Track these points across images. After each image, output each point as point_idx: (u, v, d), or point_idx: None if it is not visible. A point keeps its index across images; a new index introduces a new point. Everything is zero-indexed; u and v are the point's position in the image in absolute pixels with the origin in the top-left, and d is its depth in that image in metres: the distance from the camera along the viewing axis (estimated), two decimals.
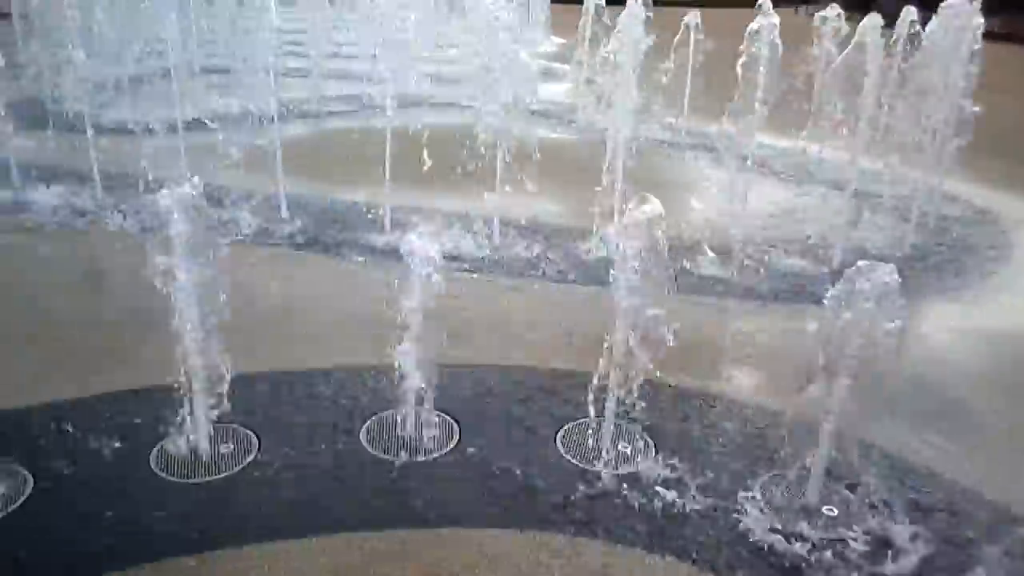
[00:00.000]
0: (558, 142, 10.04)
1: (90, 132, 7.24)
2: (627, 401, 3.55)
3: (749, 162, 5.94)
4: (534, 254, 6.34)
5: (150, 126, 7.71)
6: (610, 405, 3.68)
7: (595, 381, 3.53)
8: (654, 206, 3.36)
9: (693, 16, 10.30)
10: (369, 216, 6.77)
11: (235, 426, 3.80)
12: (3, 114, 7.26)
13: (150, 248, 3.19)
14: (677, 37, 10.12)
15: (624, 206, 5.99)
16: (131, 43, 10.42)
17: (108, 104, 9.67)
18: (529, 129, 6.44)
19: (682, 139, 10.24)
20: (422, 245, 3.52)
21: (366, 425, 3.93)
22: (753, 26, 5.70)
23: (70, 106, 9.81)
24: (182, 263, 3.23)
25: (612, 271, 3.41)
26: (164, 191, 3.19)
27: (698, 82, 10.53)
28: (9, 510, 3.23)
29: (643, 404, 3.55)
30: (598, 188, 6.14)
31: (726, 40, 10.24)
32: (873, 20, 5.95)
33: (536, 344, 4.90)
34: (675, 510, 3.38)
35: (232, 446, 3.71)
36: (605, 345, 3.47)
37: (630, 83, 6.01)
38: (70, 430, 3.75)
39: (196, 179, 3.31)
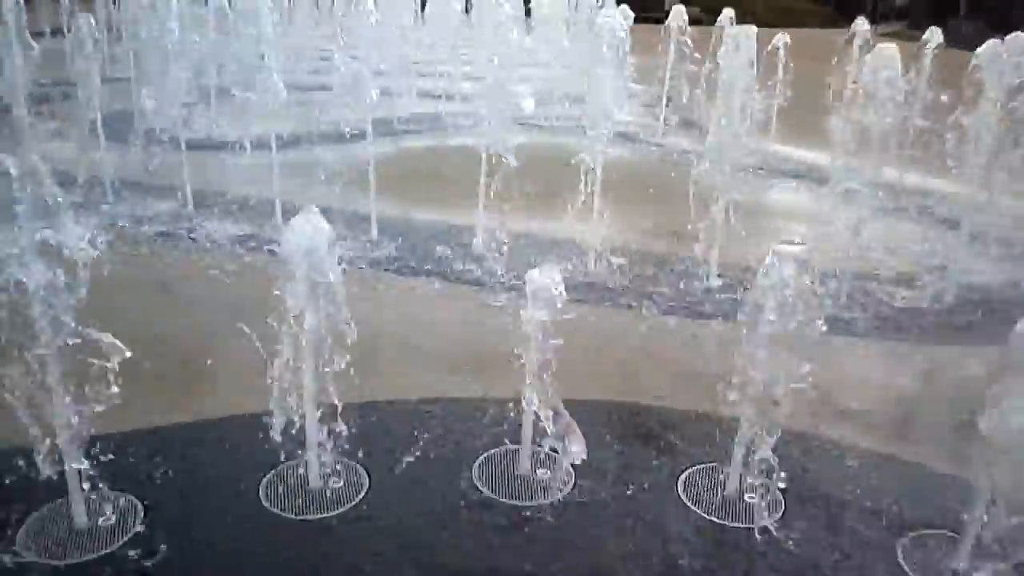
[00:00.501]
0: (645, 165, 9.84)
1: (180, 146, 7.30)
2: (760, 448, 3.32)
3: (866, 194, 5.63)
4: (640, 285, 6.11)
5: (241, 142, 7.76)
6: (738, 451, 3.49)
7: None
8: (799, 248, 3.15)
9: (781, 37, 10.03)
10: (464, 240, 6.66)
11: (343, 460, 3.66)
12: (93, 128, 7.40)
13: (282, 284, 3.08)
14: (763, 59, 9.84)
15: (723, 232, 5.86)
16: (226, 56, 10.64)
17: (199, 118, 9.75)
18: (618, 151, 6.28)
19: (774, 164, 9.90)
20: (545, 280, 3.35)
21: (477, 463, 3.77)
22: (869, 58, 5.44)
23: (160, 120, 10.03)
24: (310, 298, 3.12)
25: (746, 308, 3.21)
26: (295, 225, 3.08)
27: (788, 105, 10.22)
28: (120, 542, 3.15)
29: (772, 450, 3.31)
30: (694, 214, 5.94)
31: (808, 61, 10.10)
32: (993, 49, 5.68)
33: (649, 380, 4.70)
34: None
35: (340, 481, 3.58)
36: (738, 386, 3.27)
37: (732, 107, 5.78)
38: (179, 457, 3.67)
39: (314, 208, 3.21)
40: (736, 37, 5.63)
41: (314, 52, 15.39)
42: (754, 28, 5.73)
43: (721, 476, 3.70)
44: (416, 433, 3.94)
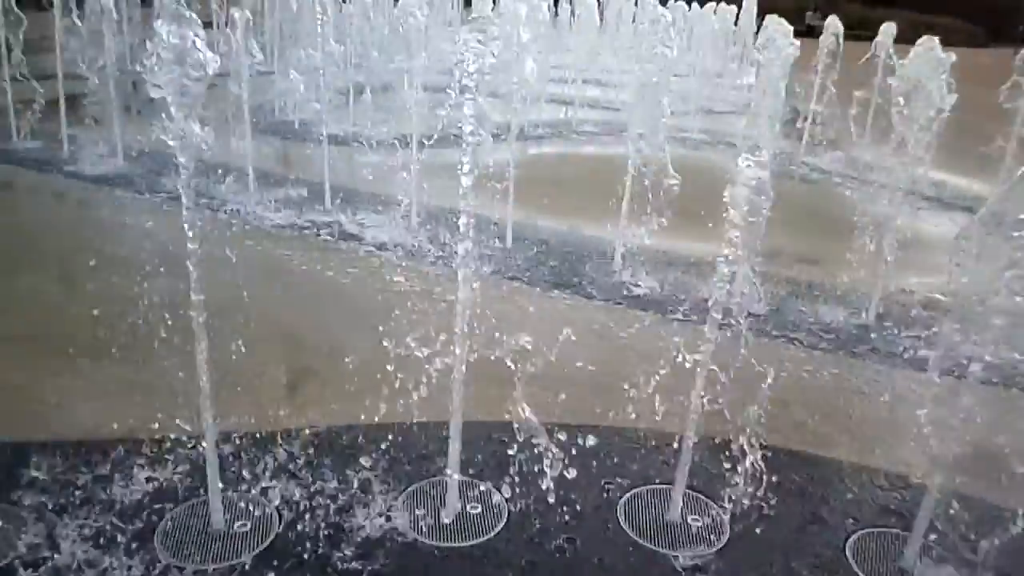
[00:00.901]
0: (782, 185, 9.29)
1: (320, 142, 7.34)
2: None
3: None
4: (786, 314, 5.68)
5: (377, 140, 7.74)
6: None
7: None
8: None
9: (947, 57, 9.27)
10: (603, 254, 6.40)
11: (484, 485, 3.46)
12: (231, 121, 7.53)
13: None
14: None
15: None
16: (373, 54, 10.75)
17: (338, 115, 9.86)
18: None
19: (931, 191, 9.18)
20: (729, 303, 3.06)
21: (624, 500, 3.49)
22: None
23: (298, 115, 10.25)
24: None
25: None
26: None
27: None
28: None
29: None
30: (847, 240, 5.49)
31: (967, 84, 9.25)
32: None
33: (812, 425, 4.29)
34: None
35: (479, 508, 3.37)
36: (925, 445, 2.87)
37: (910, 131, 5.30)
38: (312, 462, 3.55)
39: None
40: (921, 58, 5.15)
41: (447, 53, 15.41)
42: (943, 53, 5.21)
43: (896, 544, 3.29)
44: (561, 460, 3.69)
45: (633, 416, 3.81)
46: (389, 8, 12.93)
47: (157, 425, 3.45)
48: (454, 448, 3.20)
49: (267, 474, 3.37)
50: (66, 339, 4.51)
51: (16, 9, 8.61)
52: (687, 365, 3.13)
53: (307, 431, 3.74)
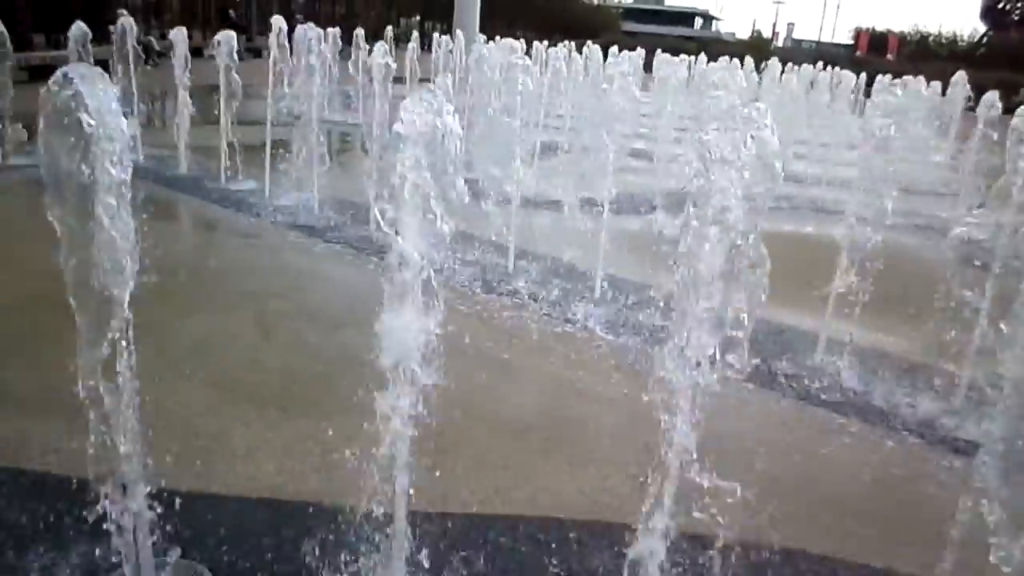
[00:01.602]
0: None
1: (507, 201, 7.24)
2: None
3: None
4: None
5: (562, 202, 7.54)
6: None
7: None
8: None
9: None
10: (801, 349, 5.80)
11: None
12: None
13: None
14: None
15: None
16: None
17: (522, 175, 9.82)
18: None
19: None
20: None
21: None
22: None
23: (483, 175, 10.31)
24: None
25: None
26: None
27: None
28: None
29: None
30: None
31: None
32: None
33: None
34: None
35: None
36: None
37: None
38: None
39: None
40: None
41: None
42: None
43: None
44: None
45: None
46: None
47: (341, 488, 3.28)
48: None
49: None
50: (258, 387, 4.51)
51: (237, 57, 9.22)
52: None
53: None
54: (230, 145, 9.34)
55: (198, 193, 9.11)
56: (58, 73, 2.13)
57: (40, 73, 18.21)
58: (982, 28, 73.49)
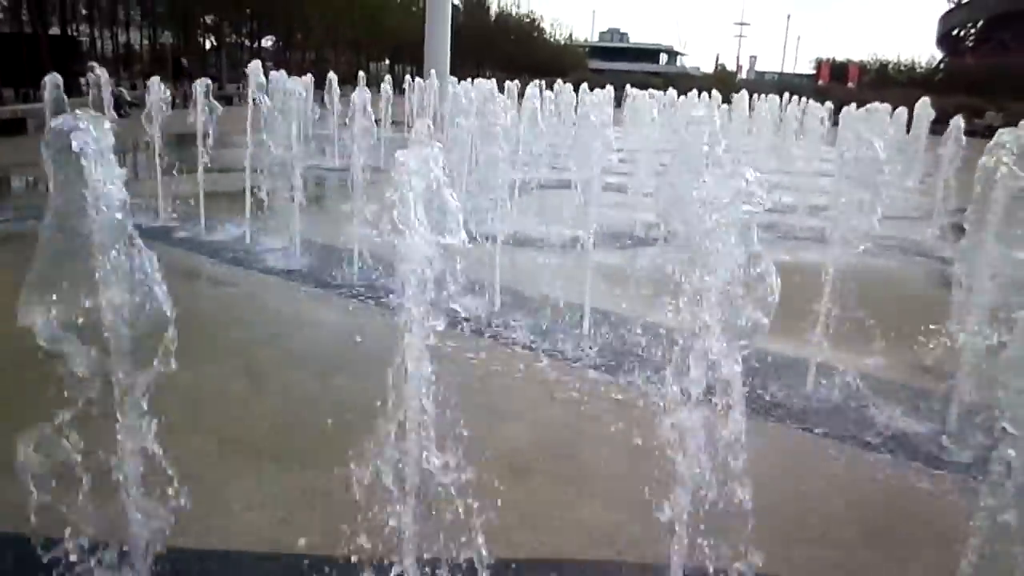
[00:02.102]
0: None
1: (491, 240, 7.24)
2: None
3: None
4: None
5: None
6: None
7: None
8: None
9: None
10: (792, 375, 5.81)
11: None
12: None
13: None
14: None
15: None
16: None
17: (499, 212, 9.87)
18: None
19: None
20: None
21: None
22: None
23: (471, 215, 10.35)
24: None
25: None
26: None
27: None
28: None
29: None
30: None
31: None
32: None
33: None
34: None
35: None
36: None
37: None
38: None
39: None
40: None
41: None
42: None
43: None
44: None
45: None
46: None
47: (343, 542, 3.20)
48: None
49: None
50: (251, 438, 4.43)
51: (213, 100, 9.23)
52: None
53: None
54: (208, 193, 9.31)
55: (177, 243, 9.04)
56: (62, 119, 2.10)
57: (10, 127, 18.19)
58: (939, 55, 75.71)
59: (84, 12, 41.75)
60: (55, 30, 36.31)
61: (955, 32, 73.81)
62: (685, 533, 2.52)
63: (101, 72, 10.27)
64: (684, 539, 2.53)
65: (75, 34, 40.77)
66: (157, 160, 9.65)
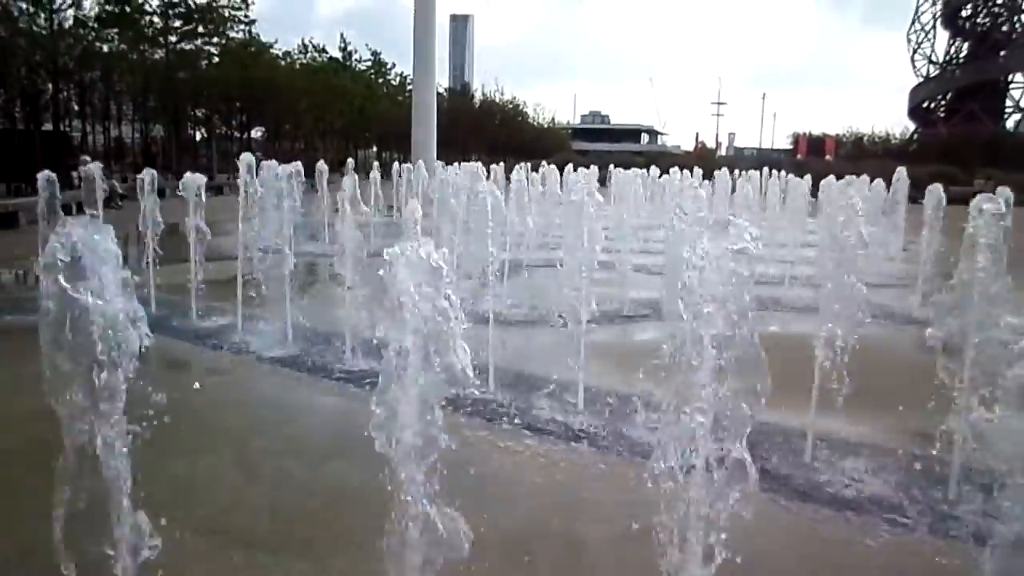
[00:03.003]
0: None
1: (484, 320, 7.28)
2: None
3: None
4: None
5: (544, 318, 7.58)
6: None
7: None
8: None
9: None
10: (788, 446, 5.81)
11: None
12: None
13: None
14: None
15: None
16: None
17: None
18: None
19: None
20: None
21: None
22: None
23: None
24: None
25: None
26: None
27: None
28: None
29: None
30: None
31: None
32: None
33: None
34: None
35: None
36: None
37: None
38: None
39: None
40: None
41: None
42: None
43: None
44: None
45: None
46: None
47: None
48: None
49: None
50: (246, 530, 4.35)
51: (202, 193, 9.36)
52: None
53: None
54: (200, 281, 9.35)
55: (169, 332, 9.02)
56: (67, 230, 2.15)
57: (2, 221, 18.34)
58: (912, 126, 77.86)
59: (76, 108, 42.58)
60: (48, 126, 37.03)
61: (926, 104, 76.06)
62: None
63: (94, 166, 10.45)
64: None
65: (67, 129, 41.55)
66: (152, 249, 9.76)
